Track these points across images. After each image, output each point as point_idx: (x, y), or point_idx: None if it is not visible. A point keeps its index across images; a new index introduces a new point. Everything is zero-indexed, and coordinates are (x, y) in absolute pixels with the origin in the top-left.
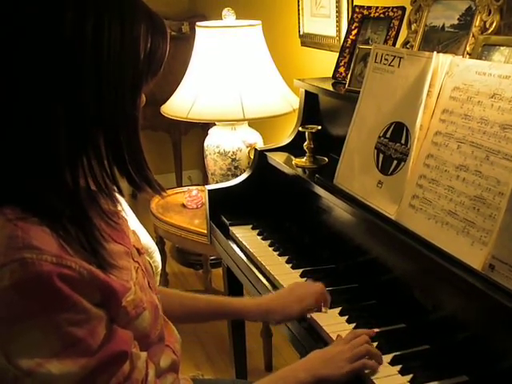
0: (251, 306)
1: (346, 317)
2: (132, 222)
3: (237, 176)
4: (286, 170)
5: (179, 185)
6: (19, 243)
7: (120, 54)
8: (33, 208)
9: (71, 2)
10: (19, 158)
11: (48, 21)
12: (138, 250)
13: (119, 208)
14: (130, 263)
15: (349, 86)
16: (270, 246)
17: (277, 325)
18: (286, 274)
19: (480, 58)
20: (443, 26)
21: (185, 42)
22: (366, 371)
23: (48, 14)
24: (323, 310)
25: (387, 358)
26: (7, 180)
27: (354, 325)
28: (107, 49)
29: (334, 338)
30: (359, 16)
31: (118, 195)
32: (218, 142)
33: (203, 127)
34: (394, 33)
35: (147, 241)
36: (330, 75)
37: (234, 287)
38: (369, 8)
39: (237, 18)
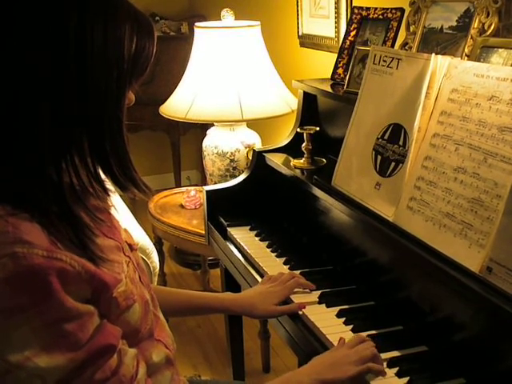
0: (231, 301)
1: (344, 318)
2: (130, 221)
3: (235, 177)
4: (284, 171)
5: (178, 185)
6: (10, 238)
7: (103, 54)
8: (21, 205)
9: (54, 3)
10: (5, 157)
11: (31, 21)
12: (130, 245)
13: (109, 204)
14: (121, 257)
15: (347, 87)
16: (267, 247)
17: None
18: None
19: (478, 60)
20: (442, 27)
21: (184, 42)
22: (370, 375)
23: (30, 14)
24: (306, 291)
25: (384, 360)
26: None
27: (351, 326)
28: (90, 49)
29: (331, 340)
30: (358, 17)
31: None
32: (216, 142)
33: (202, 127)
34: (393, 34)
35: (145, 241)
36: (329, 76)
37: (232, 288)
38: (367, 9)
39: (236, 19)
